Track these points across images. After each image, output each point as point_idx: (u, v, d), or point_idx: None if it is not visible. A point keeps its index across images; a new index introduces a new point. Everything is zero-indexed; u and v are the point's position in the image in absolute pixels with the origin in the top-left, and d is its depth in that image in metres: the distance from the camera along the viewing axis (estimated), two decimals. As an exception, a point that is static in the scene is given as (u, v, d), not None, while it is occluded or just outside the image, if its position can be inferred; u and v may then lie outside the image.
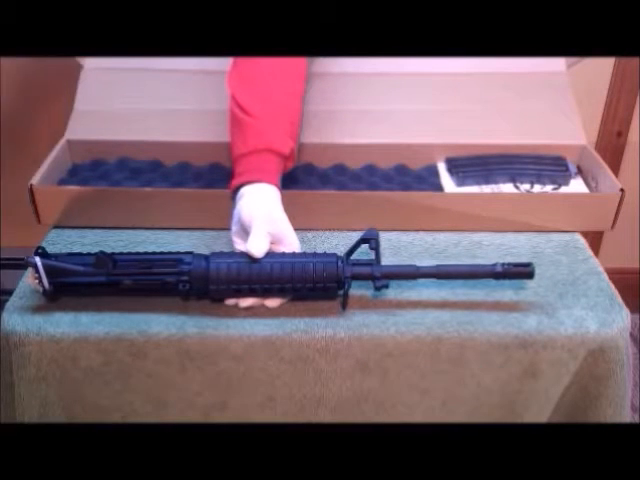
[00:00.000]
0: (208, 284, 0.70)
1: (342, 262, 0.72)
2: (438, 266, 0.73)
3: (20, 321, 0.72)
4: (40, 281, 0.71)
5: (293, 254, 0.72)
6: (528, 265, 0.72)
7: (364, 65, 1.00)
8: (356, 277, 0.72)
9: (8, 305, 0.74)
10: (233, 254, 0.73)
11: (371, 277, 0.71)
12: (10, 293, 0.76)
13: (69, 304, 0.74)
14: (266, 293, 0.71)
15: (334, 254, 0.72)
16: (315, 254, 0.72)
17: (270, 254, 0.72)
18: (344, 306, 0.72)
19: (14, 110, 1.32)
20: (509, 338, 0.72)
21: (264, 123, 0.78)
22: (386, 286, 0.72)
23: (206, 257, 0.72)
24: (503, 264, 0.72)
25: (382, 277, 0.71)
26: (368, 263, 0.72)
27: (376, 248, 0.73)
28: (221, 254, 0.72)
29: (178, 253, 0.73)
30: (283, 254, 0.72)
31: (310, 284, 0.71)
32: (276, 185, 0.77)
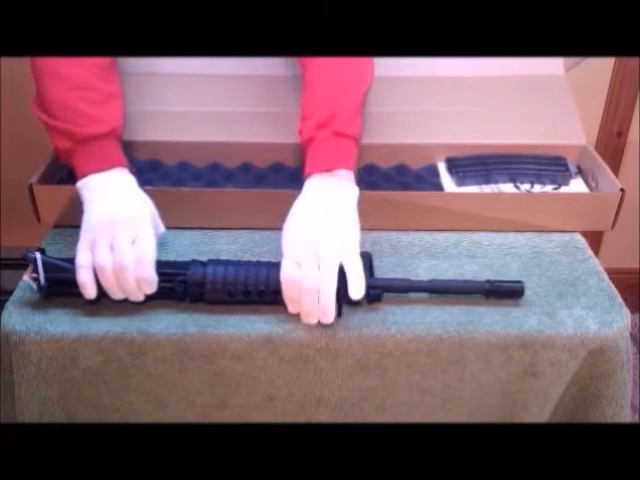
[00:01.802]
0: (204, 284, 0.71)
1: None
2: (432, 280, 0.75)
3: (20, 320, 0.72)
4: (37, 278, 0.71)
5: None
6: (518, 282, 0.75)
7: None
8: None
9: (8, 304, 0.74)
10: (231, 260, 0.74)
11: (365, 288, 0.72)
12: (10, 293, 0.76)
13: (69, 303, 0.74)
14: (261, 296, 0.72)
15: None
16: None
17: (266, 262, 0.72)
18: (339, 314, 0.72)
19: (14, 110, 1.32)
20: (509, 338, 0.72)
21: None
22: (379, 298, 0.73)
23: (203, 263, 0.73)
24: (494, 282, 0.74)
25: (376, 289, 0.73)
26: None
27: (370, 268, 0.74)
28: (219, 260, 0.73)
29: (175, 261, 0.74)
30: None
31: None
32: None
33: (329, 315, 0.69)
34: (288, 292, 0.69)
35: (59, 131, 0.77)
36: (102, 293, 0.71)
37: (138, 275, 0.69)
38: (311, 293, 0.68)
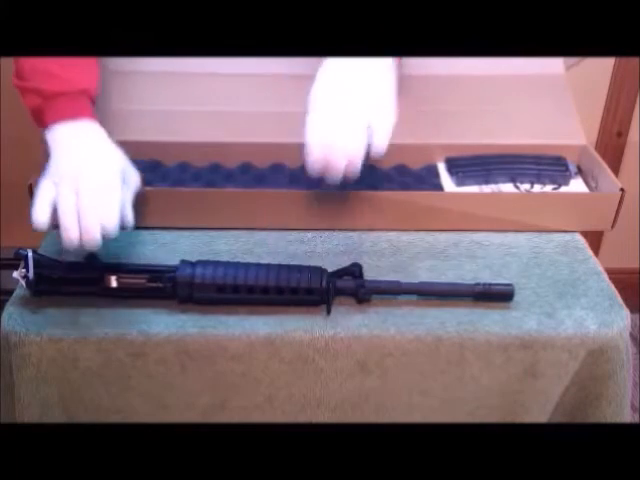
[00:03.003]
0: (193, 282, 0.72)
1: (326, 273, 0.73)
2: (421, 283, 0.74)
3: (20, 321, 0.72)
4: (26, 275, 0.72)
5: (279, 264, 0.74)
6: (508, 285, 0.74)
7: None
8: (340, 289, 0.73)
9: (8, 305, 0.74)
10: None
11: (354, 289, 0.73)
12: (10, 293, 0.76)
13: (68, 304, 0.74)
14: (250, 293, 0.72)
15: (319, 267, 0.74)
16: (301, 265, 0.74)
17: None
18: (328, 311, 0.72)
19: (14, 111, 1.32)
20: (509, 338, 0.72)
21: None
22: (367, 300, 0.73)
23: (192, 263, 0.73)
24: (484, 284, 0.74)
25: (365, 291, 0.73)
26: (352, 277, 0.74)
27: (360, 276, 0.74)
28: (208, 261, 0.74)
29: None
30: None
31: (294, 284, 0.72)
32: None
33: (356, 167, 0.70)
34: (314, 147, 0.69)
35: (30, 90, 0.76)
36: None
37: (101, 215, 0.68)
38: (340, 150, 0.70)
